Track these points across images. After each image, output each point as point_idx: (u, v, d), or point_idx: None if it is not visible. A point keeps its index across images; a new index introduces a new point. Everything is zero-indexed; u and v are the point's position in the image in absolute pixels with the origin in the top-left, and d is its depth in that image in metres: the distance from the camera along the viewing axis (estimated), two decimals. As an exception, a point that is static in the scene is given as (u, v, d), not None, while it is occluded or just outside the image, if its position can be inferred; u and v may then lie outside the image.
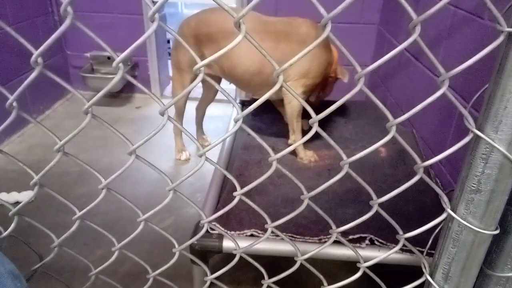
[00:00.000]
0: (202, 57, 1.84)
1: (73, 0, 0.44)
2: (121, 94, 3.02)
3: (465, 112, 0.51)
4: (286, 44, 1.63)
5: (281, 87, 1.86)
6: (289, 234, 1.21)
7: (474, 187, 0.54)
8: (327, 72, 1.73)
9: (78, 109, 2.82)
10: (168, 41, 3.31)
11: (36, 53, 0.46)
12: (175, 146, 2.22)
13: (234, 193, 0.57)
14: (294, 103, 1.67)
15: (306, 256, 0.66)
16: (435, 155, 0.53)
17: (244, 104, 2.26)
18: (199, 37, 1.77)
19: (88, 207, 0.57)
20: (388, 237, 1.17)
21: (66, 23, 0.45)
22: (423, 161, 0.55)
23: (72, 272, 1.43)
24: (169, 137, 2.25)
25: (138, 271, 1.46)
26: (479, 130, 0.52)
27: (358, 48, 2.64)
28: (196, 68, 0.49)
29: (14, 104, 0.51)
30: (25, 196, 1.81)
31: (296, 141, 1.73)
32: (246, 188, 0.56)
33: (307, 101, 1.82)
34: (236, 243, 0.69)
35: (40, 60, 0.47)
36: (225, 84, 2.90)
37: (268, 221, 0.63)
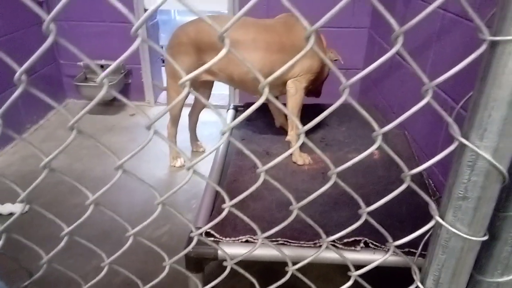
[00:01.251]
0: (203, 65, 1.85)
1: (56, 17, 0.44)
2: (115, 102, 3.01)
3: (450, 120, 0.51)
4: (292, 55, 1.67)
5: (285, 82, 1.86)
6: (284, 239, 1.20)
7: (461, 194, 0.54)
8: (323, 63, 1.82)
9: (70, 120, 2.82)
10: (161, 48, 3.31)
11: (19, 71, 0.46)
12: (170, 153, 2.21)
13: (223, 206, 0.57)
14: (297, 96, 1.72)
15: (296, 267, 0.66)
16: (428, 156, 0.54)
17: (238, 109, 2.25)
18: (200, 46, 1.78)
19: (75, 224, 0.57)
20: (383, 240, 1.17)
21: (49, 40, 0.45)
22: (416, 162, 0.56)
23: (68, 284, 1.42)
24: (164, 144, 2.25)
25: (133, 281, 1.45)
26: (464, 137, 0.52)
27: (349, 52, 2.65)
28: (182, 82, 0.49)
29: None
30: (19, 208, 1.80)
31: (294, 136, 1.76)
32: (234, 201, 0.56)
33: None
34: (226, 254, 0.69)
35: (23, 77, 0.47)
36: (217, 90, 2.90)
37: (258, 232, 0.63)
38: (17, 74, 0.47)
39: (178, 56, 1.89)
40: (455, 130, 0.51)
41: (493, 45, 0.49)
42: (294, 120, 1.74)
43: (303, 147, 1.78)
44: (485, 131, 0.50)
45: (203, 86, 2.08)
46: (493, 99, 0.49)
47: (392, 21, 0.47)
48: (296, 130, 1.77)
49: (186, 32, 1.83)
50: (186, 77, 0.50)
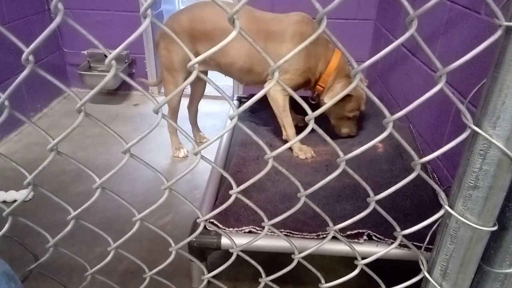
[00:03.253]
0: (196, 55, 1.82)
1: (63, -3, 0.44)
2: (119, 92, 3.00)
3: (462, 107, 0.50)
4: (274, 44, 1.62)
5: (264, 82, 1.83)
6: (287, 230, 1.20)
7: (472, 183, 0.54)
8: (311, 74, 1.70)
9: (75, 107, 2.82)
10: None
11: (26, 51, 0.46)
12: (172, 144, 2.21)
13: (230, 192, 0.57)
14: (276, 98, 1.68)
15: (303, 254, 0.65)
16: (432, 150, 0.53)
17: (241, 100, 2.25)
18: (194, 34, 1.75)
19: (82, 207, 0.56)
20: (386, 233, 1.17)
21: (57, 20, 0.44)
22: (420, 156, 0.55)
23: (71, 270, 1.43)
24: (167, 134, 2.24)
25: (137, 268, 1.46)
26: (476, 125, 0.51)
27: (355, 44, 2.63)
28: (191, 65, 0.49)
29: (6, 103, 0.50)
30: (23, 195, 1.80)
31: (289, 135, 1.73)
32: (242, 187, 0.56)
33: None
34: (232, 241, 0.68)
35: (31, 58, 0.47)
36: (221, 81, 2.89)
37: (265, 219, 0.62)
38: (24, 54, 0.46)
39: (172, 46, 1.84)
40: (467, 118, 0.51)
41: (508, 30, 0.48)
42: (283, 122, 1.66)
43: (307, 140, 1.78)
44: (498, 119, 0.50)
45: (196, 78, 2.06)
46: (507, 86, 0.49)
47: (406, 3, 0.46)
48: (288, 129, 1.73)
49: (178, 21, 1.79)
50: (195, 60, 0.49)
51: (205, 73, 2.05)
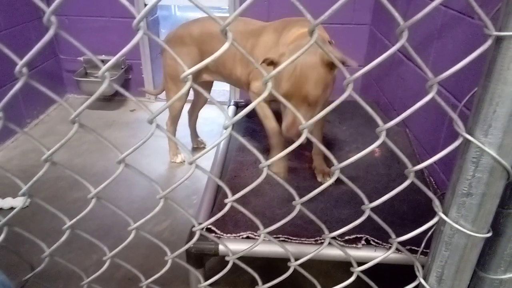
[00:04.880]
0: (204, 66, 1.83)
1: (56, 10, 0.44)
2: (115, 98, 3.01)
3: (454, 116, 0.50)
4: (255, 38, 1.59)
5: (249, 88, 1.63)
6: (285, 236, 1.20)
7: (465, 190, 0.54)
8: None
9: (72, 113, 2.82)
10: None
11: (20, 63, 0.46)
12: (169, 150, 2.21)
13: (225, 200, 0.57)
14: (256, 107, 1.58)
15: (298, 262, 0.65)
16: (429, 154, 0.53)
17: (238, 105, 2.25)
18: (203, 47, 1.77)
19: (77, 217, 0.56)
20: (384, 237, 1.17)
21: (50, 33, 0.45)
22: (416, 161, 0.55)
23: (68, 278, 1.42)
24: (165, 139, 2.24)
25: (135, 274, 1.45)
26: (469, 133, 0.52)
27: (350, 49, 2.64)
28: (184, 76, 0.49)
29: (1, 114, 0.50)
30: (19, 202, 1.79)
31: (271, 144, 1.59)
32: (236, 195, 0.56)
33: None
34: (228, 249, 0.68)
35: (24, 70, 0.47)
36: (218, 87, 2.90)
37: (261, 227, 0.63)
38: (17, 67, 0.47)
39: (179, 55, 1.84)
40: (459, 126, 0.51)
41: (498, 40, 0.49)
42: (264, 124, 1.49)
43: (305, 146, 1.77)
44: (490, 127, 0.50)
45: (203, 87, 2.07)
46: (498, 95, 0.49)
47: (396, 15, 0.47)
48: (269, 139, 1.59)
49: (189, 30, 1.80)
50: (188, 71, 0.49)
51: (211, 83, 2.04)
